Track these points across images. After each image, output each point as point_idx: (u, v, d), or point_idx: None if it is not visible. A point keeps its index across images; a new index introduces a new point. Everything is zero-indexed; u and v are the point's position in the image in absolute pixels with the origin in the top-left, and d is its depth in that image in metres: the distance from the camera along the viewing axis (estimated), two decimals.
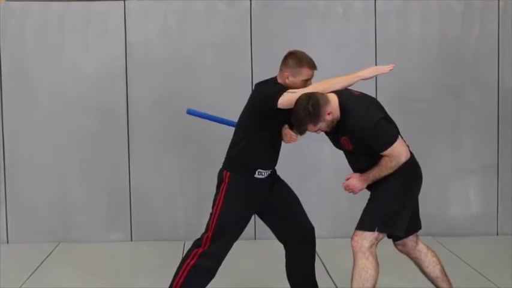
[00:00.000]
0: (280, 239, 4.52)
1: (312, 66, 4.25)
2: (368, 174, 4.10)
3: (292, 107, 4.04)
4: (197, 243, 4.33)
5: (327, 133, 4.19)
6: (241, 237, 4.47)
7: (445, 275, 4.37)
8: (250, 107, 4.33)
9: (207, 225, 4.34)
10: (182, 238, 6.38)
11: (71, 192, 6.46)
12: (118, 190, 6.47)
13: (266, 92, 4.22)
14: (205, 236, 4.30)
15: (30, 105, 6.38)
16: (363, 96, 4.18)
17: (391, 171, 4.03)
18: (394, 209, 4.08)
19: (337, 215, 6.48)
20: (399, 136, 4.06)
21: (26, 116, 6.38)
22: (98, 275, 5.50)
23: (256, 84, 4.45)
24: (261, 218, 4.53)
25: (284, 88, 4.16)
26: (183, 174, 6.48)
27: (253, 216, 6.40)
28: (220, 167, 4.47)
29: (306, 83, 4.22)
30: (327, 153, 6.00)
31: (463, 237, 6.42)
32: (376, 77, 6.40)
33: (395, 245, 4.36)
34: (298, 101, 3.98)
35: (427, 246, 4.40)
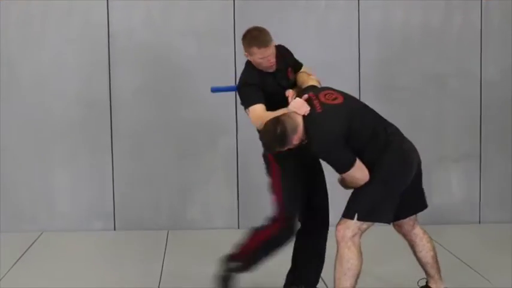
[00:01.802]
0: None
1: (260, 44, 4.23)
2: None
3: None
4: (270, 221, 4.39)
5: None
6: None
7: (436, 262, 4.41)
8: None
9: (275, 207, 4.38)
10: (165, 227, 6.39)
11: (54, 181, 6.43)
12: (101, 179, 6.45)
13: (239, 96, 4.40)
14: (276, 217, 4.36)
15: (13, 95, 6.33)
16: (324, 115, 4.07)
17: (354, 187, 4.14)
18: (376, 197, 4.09)
19: None
20: (356, 161, 4.02)
21: (9, 106, 6.33)
22: (81, 264, 5.49)
23: None
24: None
25: (248, 97, 4.26)
26: (167, 163, 6.47)
27: (236, 206, 6.46)
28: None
29: (264, 59, 4.24)
30: None
31: (446, 226, 6.44)
32: (359, 66, 6.46)
33: (393, 225, 4.39)
34: (266, 126, 4.07)
35: (424, 231, 4.43)
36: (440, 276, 4.43)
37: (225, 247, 4.52)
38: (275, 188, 4.39)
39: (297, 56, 4.55)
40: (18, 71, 6.35)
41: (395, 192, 4.16)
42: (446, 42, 6.56)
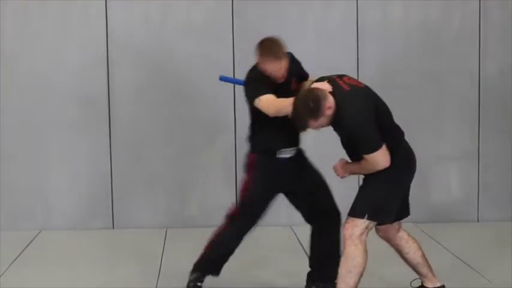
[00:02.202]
0: (306, 219, 4.59)
1: (275, 58, 4.22)
2: (351, 167, 4.18)
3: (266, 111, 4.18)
4: (226, 218, 4.57)
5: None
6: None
7: (426, 260, 4.41)
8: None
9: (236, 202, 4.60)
10: (164, 226, 6.39)
11: (52, 179, 6.42)
12: (99, 177, 6.44)
13: (246, 91, 4.36)
14: (232, 212, 4.55)
15: (11, 93, 6.32)
16: (354, 93, 4.06)
17: (367, 172, 4.10)
18: (385, 197, 4.10)
19: None
20: (383, 145, 3.98)
21: (7, 104, 6.32)
22: (80, 263, 5.48)
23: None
24: (288, 200, 4.60)
25: (257, 89, 4.23)
26: (165, 162, 6.46)
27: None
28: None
29: (278, 71, 4.23)
30: (309, 142, 6.00)
31: (444, 224, 6.46)
32: (357, 64, 6.46)
33: (377, 231, 4.35)
34: (298, 97, 4.00)
35: (408, 233, 4.42)
36: (433, 273, 4.43)
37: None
38: (246, 186, 4.51)
39: (295, 55, 4.53)
40: (17, 70, 6.33)
41: (402, 193, 4.18)
42: (445, 41, 6.56)
